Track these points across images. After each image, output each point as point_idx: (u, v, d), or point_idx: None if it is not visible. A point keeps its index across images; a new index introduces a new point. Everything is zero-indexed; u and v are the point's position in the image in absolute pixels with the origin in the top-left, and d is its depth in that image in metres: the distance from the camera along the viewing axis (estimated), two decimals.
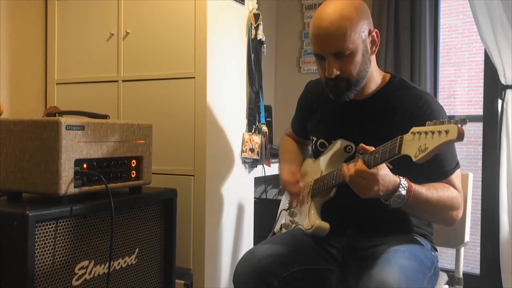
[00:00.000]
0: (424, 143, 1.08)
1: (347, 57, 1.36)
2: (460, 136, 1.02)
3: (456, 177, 1.39)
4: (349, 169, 1.25)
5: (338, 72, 1.37)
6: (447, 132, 1.03)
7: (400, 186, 1.23)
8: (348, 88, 1.41)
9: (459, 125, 1.02)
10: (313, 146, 1.61)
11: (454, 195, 1.35)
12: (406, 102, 1.42)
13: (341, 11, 1.34)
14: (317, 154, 1.59)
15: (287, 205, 1.67)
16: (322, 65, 1.40)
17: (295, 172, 1.61)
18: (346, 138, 1.48)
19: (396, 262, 1.24)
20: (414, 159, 1.10)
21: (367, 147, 1.25)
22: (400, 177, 1.25)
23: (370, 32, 1.40)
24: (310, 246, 1.47)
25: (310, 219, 1.46)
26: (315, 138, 1.60)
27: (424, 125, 1.11)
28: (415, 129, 1.12)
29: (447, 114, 1.50)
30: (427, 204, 1.30)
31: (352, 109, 1.48)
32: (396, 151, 1.16)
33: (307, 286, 1.40)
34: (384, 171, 1.22)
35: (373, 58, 1.46)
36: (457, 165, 1.40)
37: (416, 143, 1.10)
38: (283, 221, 1.65)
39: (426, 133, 1.08)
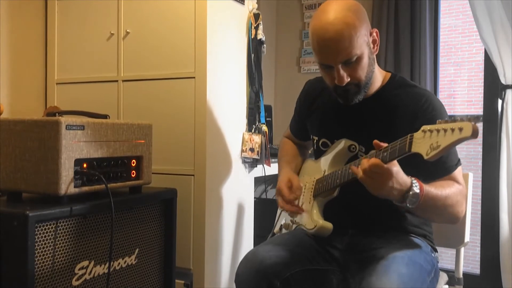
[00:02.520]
0: (436, 141, 1.07)
1: (355, 63, 1.35)
2: (475, 133, 1.01)
3: (458, 173, 1.39)
4: (363, 164, 1.22)
5: (348, 79, 1.37)
6: (460, 129, 1.02)
7: (413, 185, 1.23)
8: (358, 92, 1.41)
9: (473, 122, 1.02)
10: (315, 146, 1.61)
11: (459, 190, 1.35)
12: (408, 100, 1.42)
13: (343, 18, 1.32)
14: (318, 154, 1.59)
15: None
16: (330, 74, 1.39)
17: (293, 181, 1.54)
18: (349, 137, 1.48)
19: (395, 270, 1.24)
20: (425, 157, 1.09)
21: (381, 143, 1.23)
22: (409, 176, 1.25)
23: (371, 33, 1.40)
24: (311, 247, 1.47)
25: (312, 219, 1.45)
26: (316, 138, 1.60)
27: (427, 122, 1.11)
28: (425, 127, 1.11)
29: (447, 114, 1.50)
30: (437, 202, 1.29)
31: (354, 108, 1.48)
32: (406, 149, 1.15)
33: (309, 287, 1.40)
34: (397, 168, 1.21)
35: (374, 56, 1.46)
36: (458, 162, 1.40)
37: (427, 141, 1.09)
38: (283, 221, 1.65)
39: (438, 130, 1.07)
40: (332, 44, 1.32)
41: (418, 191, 1.23)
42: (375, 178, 1.21)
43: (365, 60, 1.37)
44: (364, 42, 1.36)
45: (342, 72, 1.35)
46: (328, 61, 1.37)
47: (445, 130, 1.05)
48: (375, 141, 1.24)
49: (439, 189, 1.30)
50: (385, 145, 1.23)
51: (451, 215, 1.37)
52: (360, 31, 1.34)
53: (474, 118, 1.02)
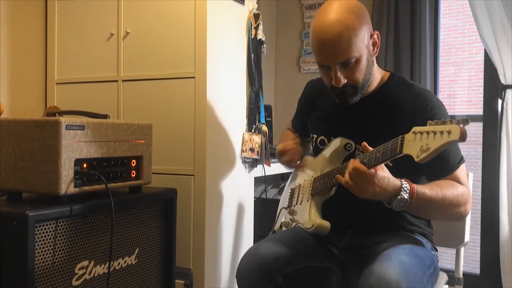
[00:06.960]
0: (426, 143, 1.08)
1: (353, 65, 1.36)
2: (463, 137, 1.01)
3: (461, 171, 1.39)
4: (348, 167, 1.26)
5: (345, 81, 1.37)
6: (449, 132, 1.03)
7: (402, 189, 1.23)
8: (355, 93, 1.42)
9: (461, 125, 1.02)
10: (313, 144, 1.62)
11: (460, 191, 1.34)
12: (406, 99, 1.42)
13: (344, 20, 1.32)
14: (317, 152, 1.60)
15: (287, 203, 1.68)
16: (328, 74, 1.40)
17: (289, 143, 1.69)
18: (347, 136, 1.48)
19: (396, 258, 1.25)
20: (416, 159, 1.10)
21: (369, 147, 1.25)
22: (402, 180, 1.25)
23: (371, 35, 1.40)
24: (313, 244, 1.47)
25: (310, 218, 1.46)
26: (315, 136, 1.61)
27: (425, 122, 1.11)
28: (416, 128, 1.12)
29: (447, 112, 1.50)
30: (432, 204, 1.30)
31: (352, 107, 1.48)
32: (397, 151, 1.16)
33: (310, 284, 1.41)
34: (382, 174, 1.22)
35: (374, 58, 1.46)
36: (461, 160, 1.40)
37: (417, 143, 1.10)
38: (283, 220, 1.65)
39: (428, 133, 1.08)
40: (331, 45, 1.33)
41: (406, 196, 1.24)
42: (357, 182, 1.23)
43: (363, 63, 1.37)
44: (364, 45, 1.36)
45: (339, 74, 1.36)
46: (326, 61, 1.37)
47: (435, 133, 1.06)
48: (364, 143, 1.26)
49: (435, 191, 1.29)
50: (371, 149, 1.24)
51: (450, 215, 1.38)
52: (360, 34, 1.34)
53: (462, 121, 1.02)
